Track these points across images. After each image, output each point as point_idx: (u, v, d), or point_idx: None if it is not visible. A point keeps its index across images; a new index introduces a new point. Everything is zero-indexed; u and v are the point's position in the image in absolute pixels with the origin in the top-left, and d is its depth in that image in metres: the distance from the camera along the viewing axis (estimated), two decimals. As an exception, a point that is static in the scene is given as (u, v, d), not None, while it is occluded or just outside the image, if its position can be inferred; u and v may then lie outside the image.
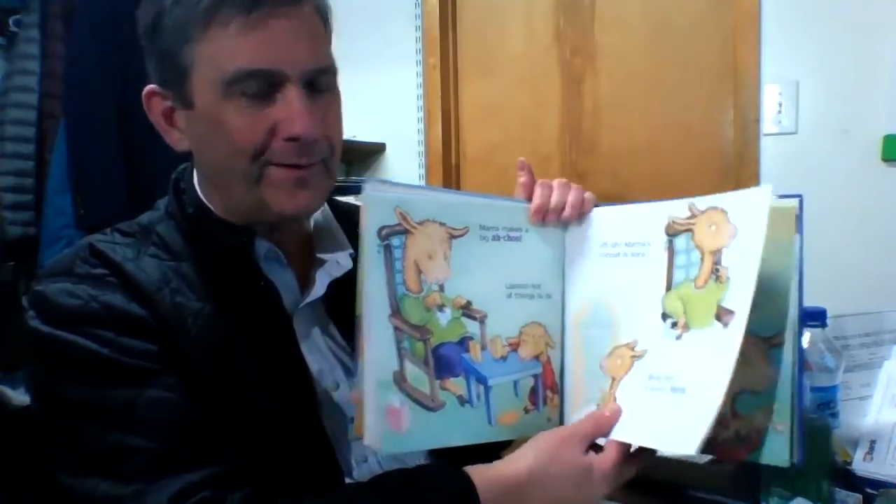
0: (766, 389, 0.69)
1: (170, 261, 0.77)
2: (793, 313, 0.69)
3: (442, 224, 0.75)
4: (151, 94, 0.78)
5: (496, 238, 0.78)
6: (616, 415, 0.74)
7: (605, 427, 0.73)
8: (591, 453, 0.73)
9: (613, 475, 0.72)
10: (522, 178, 0.85)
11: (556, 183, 0.84)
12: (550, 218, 0.82)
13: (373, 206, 0.71)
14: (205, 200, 0.81)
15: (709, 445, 0.69)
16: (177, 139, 0.79)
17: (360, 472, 0.79)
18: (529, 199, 0.83)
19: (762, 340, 0.70)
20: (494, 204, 0.80)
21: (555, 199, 0.82)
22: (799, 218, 0.69)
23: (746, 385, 0.70)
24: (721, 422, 0.69)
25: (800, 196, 0.70)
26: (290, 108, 0.73)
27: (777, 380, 0.69)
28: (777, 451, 0.69)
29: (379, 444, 0.69)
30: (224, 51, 0.71)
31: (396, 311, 0.71)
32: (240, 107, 0.72)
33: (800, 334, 0.70)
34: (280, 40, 0.72)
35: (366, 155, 2.80)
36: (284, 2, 0.72)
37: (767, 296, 0.69)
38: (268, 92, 0.73)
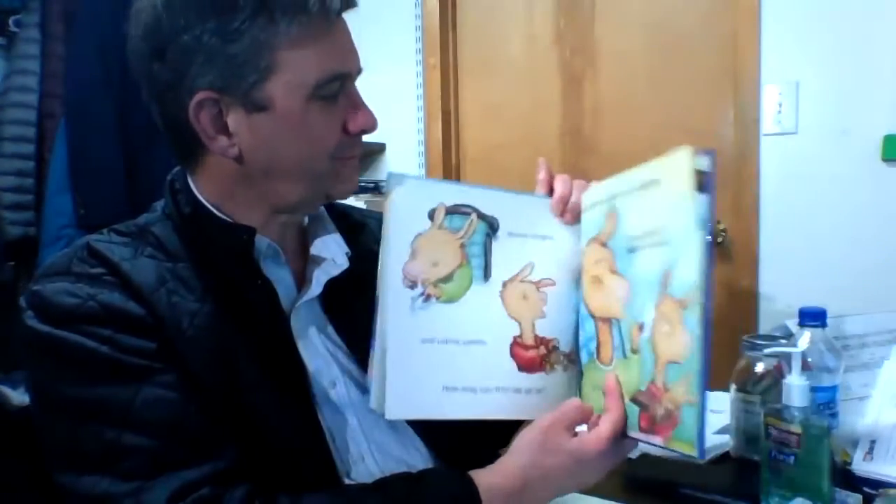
0: (684, 358, 0.67)
1: (166, 261, 0.77)
2: (698, 272, 0.66)
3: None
4: (202, 102, 0.74)
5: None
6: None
7: (588, 412, 0.76)
8: (580, 435, 0.74)
9: (608, 452, 0.72)
10: (541, 176, 0.87)
11: (575, 183, 0.86)
12: (568, 218, 0.84)
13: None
14: (203, 201, 0.80)
15: (651, 425, 0.70)
16: (225, 145, 0.76)
17: (357, 471, 0.79)
18: (549, 194, 0.86)
19: (677, 304, 0.68)
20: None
21: (574, 196, 0.84)
22: (707, 175, 0.67)
23: (671, 356, 0.68)
24: (655, 397, 0.69)
25: (712, 152, 0.68)
26: (360, 106, 0.80)
27: (690, 346, 0.66)
28: (688, 427, 0.65)
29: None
30: (314, 55, 0.74)
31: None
32: (321, 108, 0.76)
33: (706, 307, 0.65)
34: (349, 41, 0.78)
35: (366, 155, 2.80)
36: (350, 5, 0.77)
37: (679, 256, 0.68)
38: (337, 92, 0.77)
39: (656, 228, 0.72)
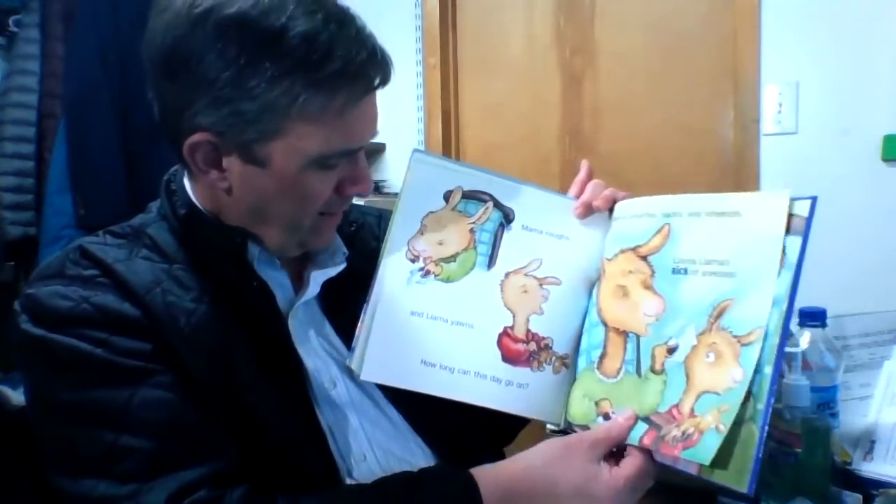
0: (726, 390, 0.66)
1: (162, 263, 0.76)
2: (777, 317, 0.66)
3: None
4: (199, 143, 0.72)
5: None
6: (630, 420, 0.73)
7: (620, 434, 0.73)
8: (605, 464, 0.72)
9: (624, 490, 0.70)
10: (580, 176, 0.88)
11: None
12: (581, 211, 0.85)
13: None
14: (197, 203, 0.80)
15: (654, 443, 0.69)
16: (216, 179, 0.75)
17: (359, 470, 0.79)
18: (578, 196, 0.87)
19: (736, 339, 0.67)
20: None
21: (603, 197, 0.85)
22: (806, 221, 0.67)
23: (711, 387, 0.67)
24: (674, 420, 0.69)
25: (813, 198, 0.67)
26: (361, 171, 0.79)
27: (739, 379, 0.65)
28: (706, 449, 0.64)
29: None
30: (324, 132, 0.72)
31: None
32: (319, 174, 0.74)
33: (782, 345, 0.65)
34: (369, 119, 0.76)
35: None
36: (386, 82, 0.75)
37: (746, 292, 0.68)
38: (339, 162, 0.75)
39: (723, 258, 0.70)
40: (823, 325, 0.98)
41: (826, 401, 0.96)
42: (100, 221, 1.24)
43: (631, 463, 0.71)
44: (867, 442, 0.95)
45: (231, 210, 0.79)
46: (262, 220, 0.78)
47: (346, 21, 0.70)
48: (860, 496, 0.86)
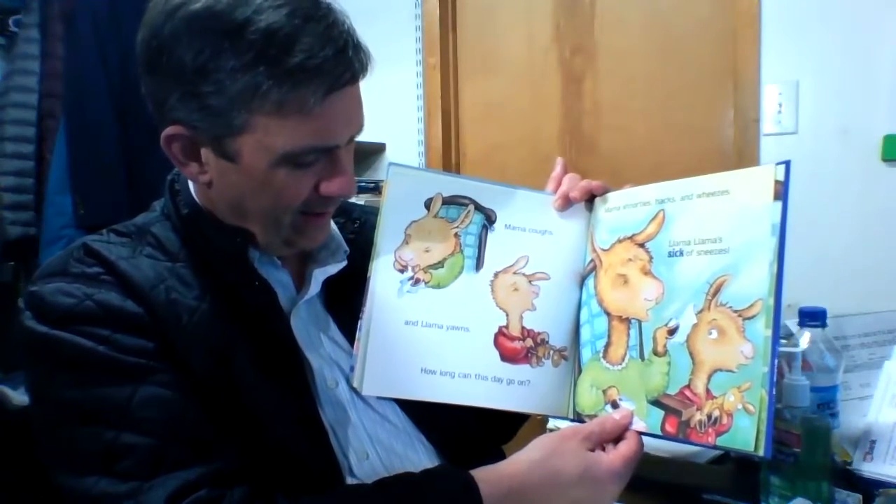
0: (740, 367, 0.67)
1: (165, 261, 0.77)
2: (768, 281, 0.67)
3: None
4: (174, 135, 0.74)
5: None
6: (626, 419, 0.75)
7: (613, 429, 0.75)
8: (599, 450, 0.74)
9: (624, 472, 0.72)
10: (556, 171, 0.88)
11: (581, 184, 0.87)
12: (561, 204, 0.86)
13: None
14: (198, 202, 0.81)
15: (681, 430, 0.70)
16: (196, 172, 0.76)
17: (362, 468, 0.79)
18: (556, 191, 0.87)
19: (737, 314, 0.68)
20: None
21: (579, 187, 0.86)
22: (783, 185, 0.68)
23: (722, 364, 0.68)
24: (695, 404, 0.69)
25: (787, 162, 0.69)
26: (339, 171, 0.76)
27: (752, 355, 0.66)
28: (744, 434, 0.65)
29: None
30: (291, 128, 0.70)
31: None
32: (292, 172, 0.74)
33: (777, 307, 0.66)
34: (341, 116, 0.74)
35: (366, 155, 2.80)
36: (356, 80, 0.73)
37: (741, 266, 0.69)
38: (313, 161, 0.74)
39: (716, 236, 0.72)
40: (823, 325, 0.98)
41: (826, 401, 0.96)
42: (99, 221, 1.24)
43: (627, 445, 0.73)
44: (867, 442, 0.95)
45: (217, 205, 0.80)
46: (244, 216, 0.78)
47: (314, 16, 0.69)
48: (860, 496, 0.86)
